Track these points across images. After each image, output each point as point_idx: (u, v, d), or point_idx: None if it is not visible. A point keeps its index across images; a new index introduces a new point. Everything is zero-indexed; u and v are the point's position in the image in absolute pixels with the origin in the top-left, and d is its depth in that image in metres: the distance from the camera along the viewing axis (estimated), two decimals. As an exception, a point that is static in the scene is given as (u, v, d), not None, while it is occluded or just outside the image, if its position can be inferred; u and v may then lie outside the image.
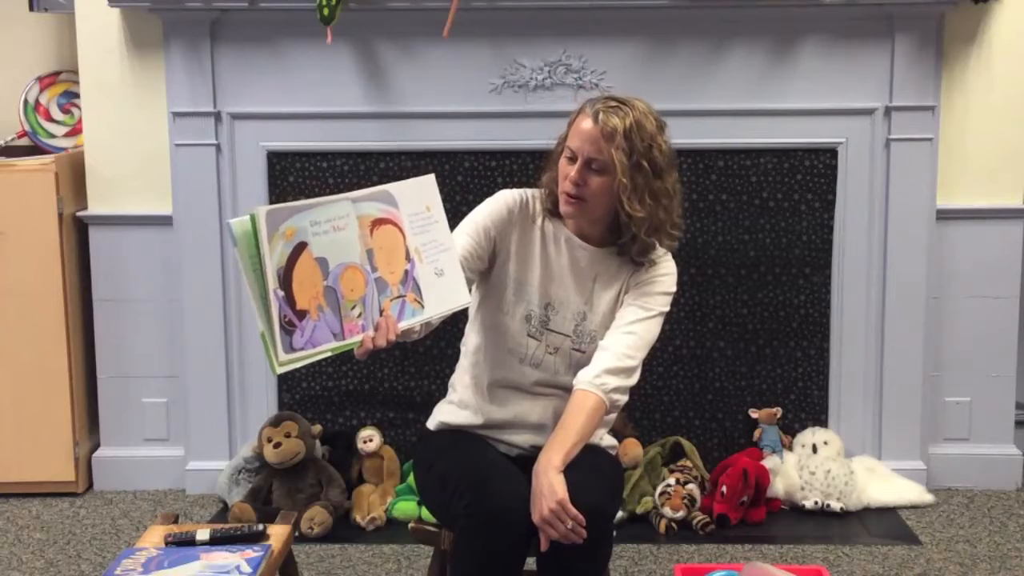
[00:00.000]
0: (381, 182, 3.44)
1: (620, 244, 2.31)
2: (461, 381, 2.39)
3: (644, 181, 2.22)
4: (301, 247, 1.89)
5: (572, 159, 2.24)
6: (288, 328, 1.86)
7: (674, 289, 2.35)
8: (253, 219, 1.84)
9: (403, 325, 2.02)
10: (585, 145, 2.22)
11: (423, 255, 2.06)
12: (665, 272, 2.34)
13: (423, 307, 2.05)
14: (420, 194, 2.09)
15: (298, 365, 1.89)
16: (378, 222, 2.00)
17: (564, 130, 2.31)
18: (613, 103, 2.24)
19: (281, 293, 1.85)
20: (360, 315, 1.96)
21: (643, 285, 2.31)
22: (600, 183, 2.22)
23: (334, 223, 1.94)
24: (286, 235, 1.87)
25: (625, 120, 2.21)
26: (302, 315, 1.88)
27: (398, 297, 2.01)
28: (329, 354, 1.94)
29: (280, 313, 1.85)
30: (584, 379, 2.23)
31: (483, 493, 2.09)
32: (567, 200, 2.25)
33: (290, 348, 1.86)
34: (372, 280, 1.98)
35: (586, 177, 2.23)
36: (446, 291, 2.10)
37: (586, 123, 2.23)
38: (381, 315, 1.98)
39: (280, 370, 1.87)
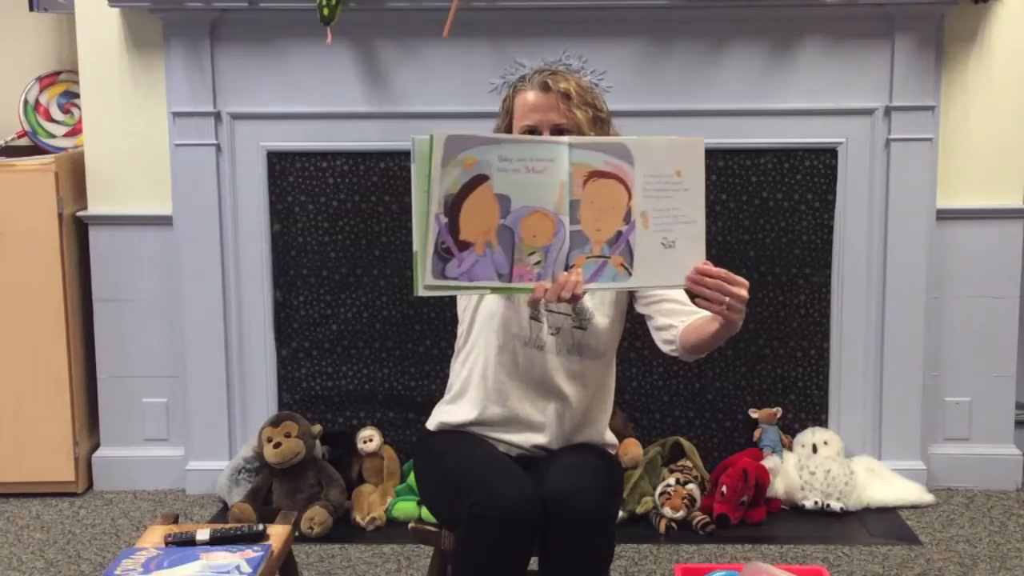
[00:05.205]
0: (381, 182, 3.50)
1: None
2: (460, 379, 2.38)
3: (604, 132, 2.26)
4: (480, 179, 1.86)
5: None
6: (444, 255, 1.86)
7: None
8: (431, 141, 1.84)
9: (594, 286, 1.96)
10: (547, 115, 2.22)
11: (651, 221, 1.96)
12: None
13: (630, 274, 1.97)
14: (672, 156, 1.98)
15: (447, 293, 1.90)
16: (597, 174, 1.93)
17: (499, 122, 2.33)
18: (548, 72, 2.27)
19: (444, 219, 1.85)
20: (538, 263, 1.91)
21: None
22: None
23: (530, 164, 1.89)
24: (464, 164, 1.85)
25: (571, 81, 2.25)
26: (464, 246, 1.87)
27: (599, 257, 1.95)
28: (488, 292, 1.93)
29: (438, 238, 1.85)
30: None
31: (487, 493, 2.07)
32: None
33: (441, 274, 1.86)
34: (566, 231, 1.92)
35: None
36: (668, 265, 1.99)
37: (535, 96, 2.24)
38: (568, 269, 1.93)
39: (423, 292, 1.87)
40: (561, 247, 1.93)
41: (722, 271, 2.02)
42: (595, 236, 1.95)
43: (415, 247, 1.86)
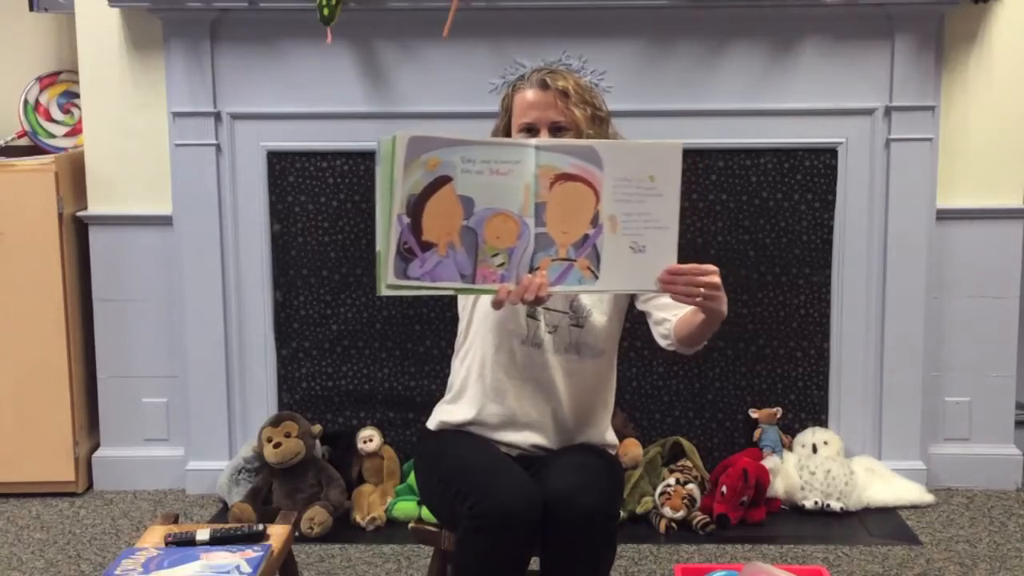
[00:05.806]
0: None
1: None
2: (459, 378, 2.38)
3: (603, 131, 2.26)
4: (443, 180, 1.87)
5: (530, 133, 2.23)
6: (406, 255, 1.87)
7: None
8: (394, 141, 1.85)
9: (559, 289, 1.97)
10: (545, 112, 2.22)
11: (619, 225, 1.96)
12: None
13: (596, 277, 1.98)
14: (645, 161, 1.97)
15: (410, 293, 1.91)
16: (565, 176, 1.94)
17: (498, 121, 2.33)
18: (546, 71, 2.28)
19: (407, 220, 1.86)
20: (502, 265, 1.93)
21: None
22: None
23: (494, 166, 1.90)
24: (428, 165, 1.87)
25: (569, 79, 2.26)
26: (426, 246, 1.88)
27: (564, 259, 1.96)
28: (451, 293, 1.95)
29: (401, 238, 1.86)
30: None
31: (487, 493, 2.07)
32: None
33: (403, 274, 1.88)
34: (531, 234, 1.93)
35: None
36: (637, 269, 1.99)
37: (533, 94, 2.24)
38: (533, 271, 1.95)
39: (386, 292, 1.88)
40: (525, 249, 1.94)
41: (690, 266, 2.02)
42: (561, 239, 1.95)
43: (378, 247, 1.87)
